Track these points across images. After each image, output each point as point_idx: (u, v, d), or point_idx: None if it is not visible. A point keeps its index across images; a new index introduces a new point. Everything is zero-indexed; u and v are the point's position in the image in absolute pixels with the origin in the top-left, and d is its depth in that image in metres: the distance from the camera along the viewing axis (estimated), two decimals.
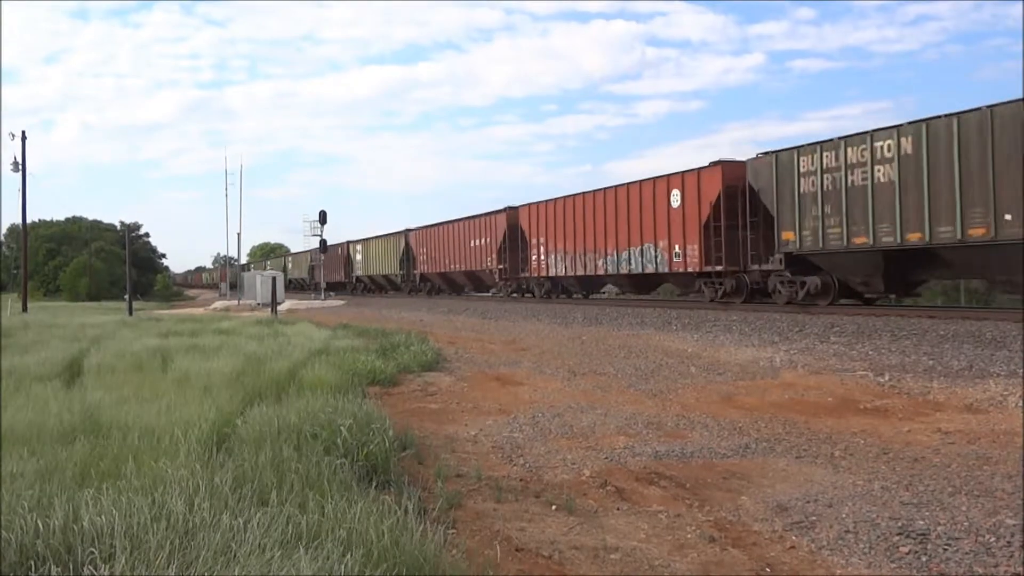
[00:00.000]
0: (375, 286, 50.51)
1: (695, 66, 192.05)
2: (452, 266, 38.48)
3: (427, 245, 41.50)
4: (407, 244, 44.19)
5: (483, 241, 34.70)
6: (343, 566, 3.20)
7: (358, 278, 51.91)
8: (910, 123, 15.34)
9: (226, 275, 58.55)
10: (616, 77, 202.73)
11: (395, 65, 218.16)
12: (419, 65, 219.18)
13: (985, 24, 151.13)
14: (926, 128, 14.87)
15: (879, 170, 15.85)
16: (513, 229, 32.06)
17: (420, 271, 42.79)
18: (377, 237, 48.57)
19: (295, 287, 64.22)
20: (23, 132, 36.77)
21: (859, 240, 16.31)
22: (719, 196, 19.99)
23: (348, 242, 53.97)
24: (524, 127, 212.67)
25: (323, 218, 46.88)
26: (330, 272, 54.22)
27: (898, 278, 16.72)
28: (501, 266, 32.95)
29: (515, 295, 32.91)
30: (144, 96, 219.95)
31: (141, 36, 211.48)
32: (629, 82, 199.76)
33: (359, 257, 51.60)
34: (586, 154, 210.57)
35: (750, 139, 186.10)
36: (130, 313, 30.54)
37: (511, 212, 32.49)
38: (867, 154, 16.06)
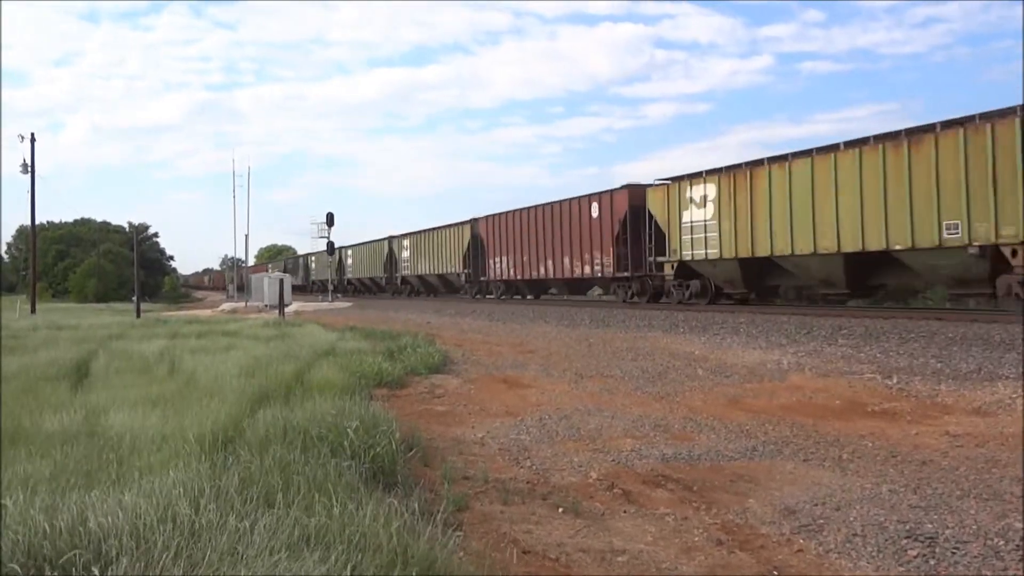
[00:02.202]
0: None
1: (703, 68, 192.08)
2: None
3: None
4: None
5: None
6: (351, 568, 3.19)
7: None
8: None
9: (252, 272, 58.46)
10: (624, 79, 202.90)
11: (402, 67, 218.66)
12: (426, 67, 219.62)
13: (992, 26, 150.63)
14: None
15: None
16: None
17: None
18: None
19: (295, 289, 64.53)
20: (32, 134, 36.99)
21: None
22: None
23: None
24: (530, 129, 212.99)
25: (330, 220, 46.94)
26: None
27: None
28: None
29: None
30: (153, 98, 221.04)
31: (150, 38, 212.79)
32: (637, 84, 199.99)
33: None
34: (593, 156, 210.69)
35: (758, 141, 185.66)
36: (138, 315, 30.65)
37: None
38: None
